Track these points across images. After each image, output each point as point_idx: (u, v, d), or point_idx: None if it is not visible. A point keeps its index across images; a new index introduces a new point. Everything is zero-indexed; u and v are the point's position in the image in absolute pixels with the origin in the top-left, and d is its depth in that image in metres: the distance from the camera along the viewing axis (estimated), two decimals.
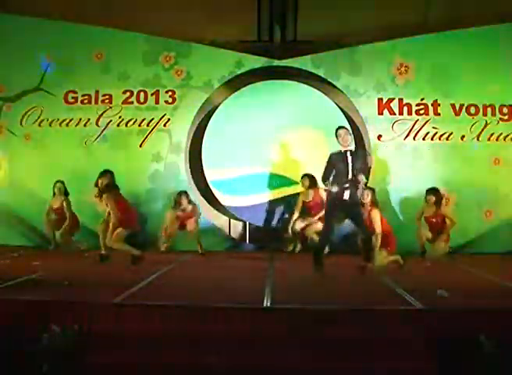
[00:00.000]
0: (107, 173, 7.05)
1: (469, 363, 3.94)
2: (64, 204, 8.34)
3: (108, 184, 6.91)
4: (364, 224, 6.39)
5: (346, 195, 6.12)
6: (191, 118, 8.88)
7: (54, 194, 8.39)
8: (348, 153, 6.17)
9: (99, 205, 7.09)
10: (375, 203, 7.00)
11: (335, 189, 6.16)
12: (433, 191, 7.88)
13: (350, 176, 6.12)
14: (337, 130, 6.33)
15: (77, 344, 3.98)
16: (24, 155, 8.87)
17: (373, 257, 6.41)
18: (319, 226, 7.82)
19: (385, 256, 6.81)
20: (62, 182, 8.38)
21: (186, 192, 8.32)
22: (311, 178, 8.21)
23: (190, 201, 8.27)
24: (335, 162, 6.22)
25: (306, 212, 8.24)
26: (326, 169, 6.29)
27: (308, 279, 6.07)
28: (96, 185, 6.97)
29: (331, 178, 6.24)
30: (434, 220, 7.81)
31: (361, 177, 6.11)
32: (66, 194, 8.40)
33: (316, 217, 8.09)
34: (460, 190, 8.60)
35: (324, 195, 7.52)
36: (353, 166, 6.13)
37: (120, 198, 6.99)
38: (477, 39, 8.66)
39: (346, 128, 6.42)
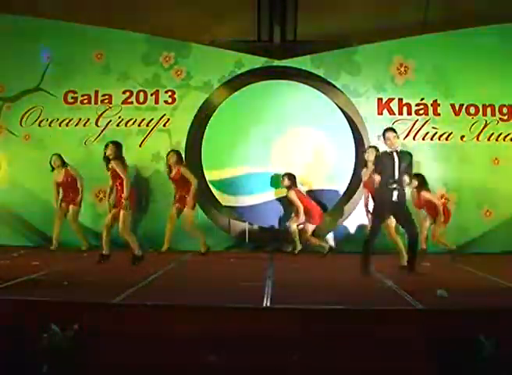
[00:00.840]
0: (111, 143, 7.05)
1: (469, 363, 3.93)
2: (70, 171, 8.39)
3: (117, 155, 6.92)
4: (412, 225, 6.30)
5: (395, 196, 6.12)
6: (191, 118, 8.87)
7: (52, 169, 8.41)
8: (395, 154, 6.17)
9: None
10: None
11: (383, 189, 6.19)
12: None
13: (396, 176, 6.12)
14: (385, 132, 6.28)
15: (77, 344, 3.98)
16: (24, 155, 8.87)
17: (416, 257, 6.30)
18: (311, 227, 8.18)
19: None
20: (59, 155, 8.40)
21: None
22: (290, 177, 8.31)
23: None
24: (383, 162, 6.24)
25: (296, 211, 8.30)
26: (376, 167, 6.37)
27: (308, 279, 6.07)
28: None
29: (379, 178, 6.27)
30: (419, 205, 7.79)
31: (406, 178, 6.16)
32: (65, 165, 8.43)
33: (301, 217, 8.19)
34: (460, 190, 8.60)
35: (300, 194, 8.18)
36: (399, 166, 6.13)
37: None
38: (477, 39, 8.66)
39: (394, 131, 6.32)
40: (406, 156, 6.26)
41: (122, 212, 6.78)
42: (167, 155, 8.33)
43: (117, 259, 6.92)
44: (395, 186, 6.12)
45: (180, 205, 8.16)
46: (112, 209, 7.00)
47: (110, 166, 6.91)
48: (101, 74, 8.93)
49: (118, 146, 6.97)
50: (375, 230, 6.34)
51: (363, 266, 6.20)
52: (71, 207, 8.38)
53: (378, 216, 6.38)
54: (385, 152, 6.27)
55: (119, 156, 6.93)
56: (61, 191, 8.42)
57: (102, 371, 4.01)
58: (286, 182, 8.29)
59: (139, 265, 6.68)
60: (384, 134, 6.29)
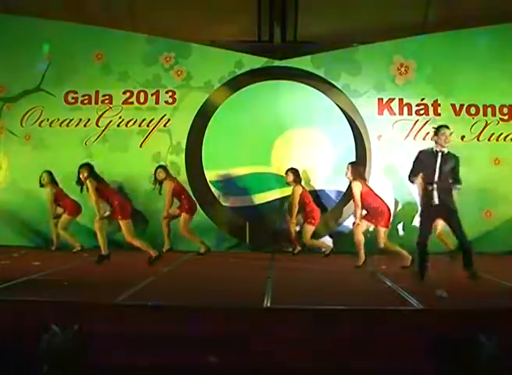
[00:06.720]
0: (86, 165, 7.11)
1: (469, 363, 3.93)
2: (56, 187, 8.39)
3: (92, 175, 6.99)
4: (459, 230, 5.94)
5: (435, 198, 5.74)
6: (191, 118, 8.88)
7: (42, 186, 8.38)
8: (439, 154, 5.75)
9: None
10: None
11: (423, 190, 5.79)
12: None
13: (436, 178, 5.72)
14: (440, 128, 5.78)
15: (77, 344, 3.98)
16: (24, 156, 8.89)
17: (472, 262, 5.80)
18: (310, 229, 8.10)
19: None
20: (49, 172, 8.37)
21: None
22: (295, 173, 8.24)
23: None
24: (423, 161, 5.80)
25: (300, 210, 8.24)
26: (413, 166, 5.87)
27: (308, 279, 6.07)
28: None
29: (419, 177, 5.83)
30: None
31: (453, 183, 5.85)
32: (54, 182, 8.40)
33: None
34: (459, 190, 8.58)
35: (303, 192, 8.12)
36: (440, 168, 5.73)
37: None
38: (477, 39, 8.68)
39: (449, 128, 5.86)
40: (451, 158, 5.82)
41: (122, 222, 6.83)
42: (155, 172, 8.14)
43: (117, 260, 6.92)
44: (435, 187, 5.71)
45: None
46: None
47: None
48: (101, 74, 8.95)
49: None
50: (422, 232, 5.84)
51: (419, 269, 5.73)
52: (66, 215, 8.34)
53: (423, 218, 5.91)
54: (429, 150, 5.82)
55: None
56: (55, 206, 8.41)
57: (102, 371, 4.00)
58: (291, 177, 8.20)
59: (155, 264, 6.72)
60: (440, 130, 5.78)
